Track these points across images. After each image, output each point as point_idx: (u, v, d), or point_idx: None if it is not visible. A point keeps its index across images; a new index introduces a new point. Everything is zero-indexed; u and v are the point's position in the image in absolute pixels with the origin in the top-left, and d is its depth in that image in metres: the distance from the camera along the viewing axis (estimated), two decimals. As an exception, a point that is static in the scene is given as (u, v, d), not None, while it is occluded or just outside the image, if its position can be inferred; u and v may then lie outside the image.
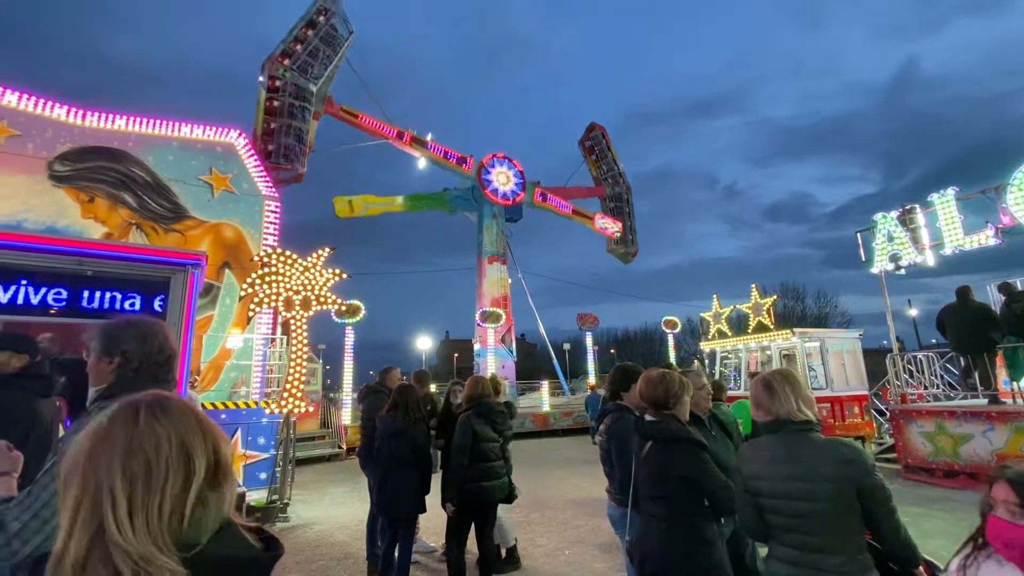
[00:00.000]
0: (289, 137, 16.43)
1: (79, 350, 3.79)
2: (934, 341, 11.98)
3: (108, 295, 4.09)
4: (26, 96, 11.29)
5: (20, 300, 3.84)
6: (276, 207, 13.98)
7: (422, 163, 21.64)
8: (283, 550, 0.91)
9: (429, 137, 21.19)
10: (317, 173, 18.53)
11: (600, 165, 27.29)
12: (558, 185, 25.82)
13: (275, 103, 16.56)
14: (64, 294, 3.99)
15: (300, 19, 17.56)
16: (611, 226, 25.74)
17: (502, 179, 22.45)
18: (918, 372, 9.35)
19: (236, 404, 8.26)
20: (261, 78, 16.54)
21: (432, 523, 5.56)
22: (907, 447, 8.42)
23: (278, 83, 16.61)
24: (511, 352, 21.12)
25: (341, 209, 20.03)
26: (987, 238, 8.02)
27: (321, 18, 17.76)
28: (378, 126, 19.92)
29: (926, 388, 9.12)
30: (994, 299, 9.34)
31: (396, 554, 4.10)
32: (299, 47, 17.23)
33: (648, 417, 2.54)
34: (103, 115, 12.10)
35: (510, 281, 22.54)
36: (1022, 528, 1.53)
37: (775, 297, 13.62)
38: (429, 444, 4.46)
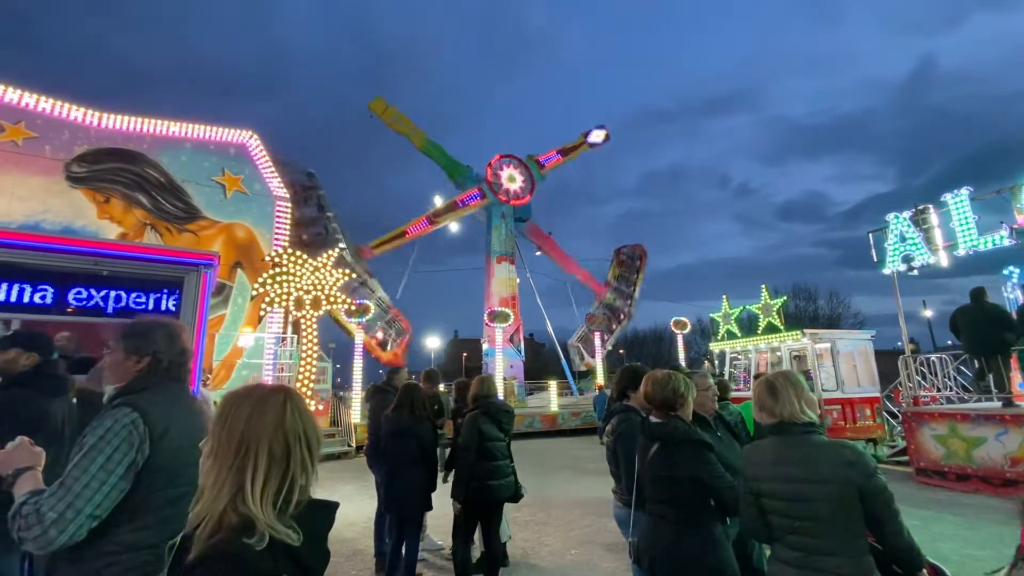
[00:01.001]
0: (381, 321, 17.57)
1: (94, 348, 3.88)
2: (949, 343, 11.81)
3: (124, 295, 4.18)
4: (43, 98, 11.51)
5: (38, 299, 3.93)
6: (286, 207, 14.11)
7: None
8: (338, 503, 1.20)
9: (437, 204, 21.68)
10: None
11: (621, 277, 26.78)
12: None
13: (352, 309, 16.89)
14: (83, 294, 4.07)
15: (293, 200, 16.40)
16: (598, 135, 25.55)
17: (510, 179, 22.47)
18: (931, 374, 9.23)
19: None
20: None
21: (439, 521, 5.60)
22: (919, 450, 8.33)
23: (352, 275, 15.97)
24: (519, 352, 21.15)
25: (376, 105, 21.14)
26: (1001, 238, 7.91)
27: (303, 190, 17.32)
28: (415, 228, 20.94)
29: (939, 390, 9.00)
30: (1009, 300, 9.20)
31: (403, 552, 4.14)
32: (303, 232, 16.78)
33: (654, 419, 2.55)
34: (118, 117, 12.31)
35: (518, 281, 22.57)
36: None
37: (785, 298, 13.50)
38: (435, 442, 4.50)
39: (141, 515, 1.53)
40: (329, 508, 1.16)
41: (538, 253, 25.57)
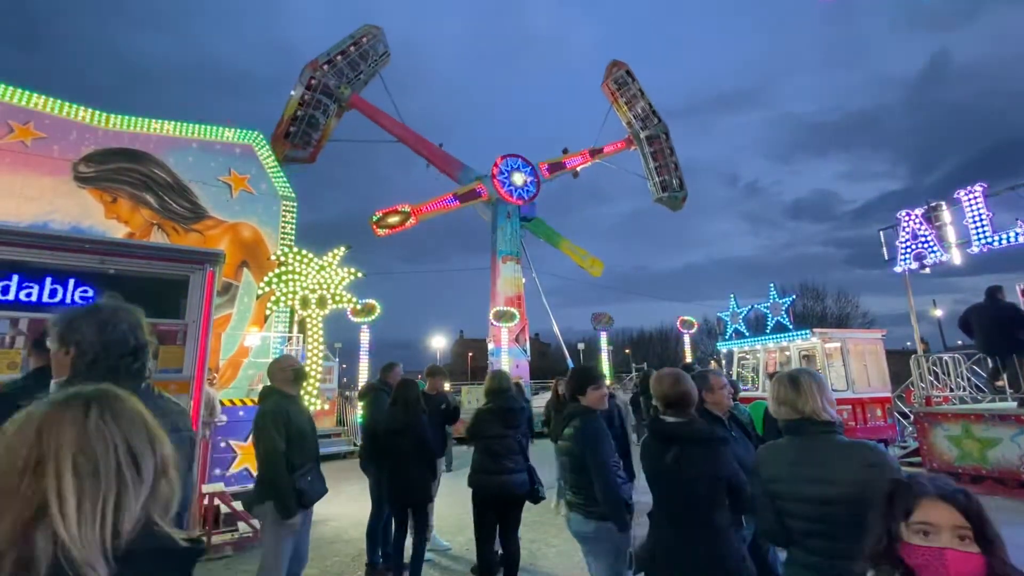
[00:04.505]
0: (306, 125, 18.94)
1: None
2: (960, 342, 11.63)
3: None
4: (51, 99, 11.57)
5: (45, 298, 3.92)
6: (292, 206, 14.13)
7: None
8: (204, 547, 0.94)
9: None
10: (330, 176, 18.84)
11: (631, 107, 24.61)
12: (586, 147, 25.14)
13: (305, 97, 18.81)
14: (89, 292, 4.06)
15: (348, 37, 20.00)
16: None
17: (516, 179, 22.41)
18: (943, 374, 9.09)
19: (254, 401, 8.37)
20: (301, 79, 18.85)
21: (447, 521, 5.57)
22: (932, 451, 8.21)
23: (313, 82, 18.84)
24: (525, 351, 21.08)
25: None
26: (1016, 236, 7.78)
27: (365, 39, 20.21)
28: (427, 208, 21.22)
29: (952, 390, 8.87)
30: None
31: (410, 548, 4.12)
32: (340, 58, 19.58)
33: (668, 418, 2.48)
34: (125, 117, 12.36)
35: (524, 280, 22.50)
36: None
37: (793, 297, 13.37)
38: (437, 438, 4.49)
39: None
40: (175, 555, 0.86)
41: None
